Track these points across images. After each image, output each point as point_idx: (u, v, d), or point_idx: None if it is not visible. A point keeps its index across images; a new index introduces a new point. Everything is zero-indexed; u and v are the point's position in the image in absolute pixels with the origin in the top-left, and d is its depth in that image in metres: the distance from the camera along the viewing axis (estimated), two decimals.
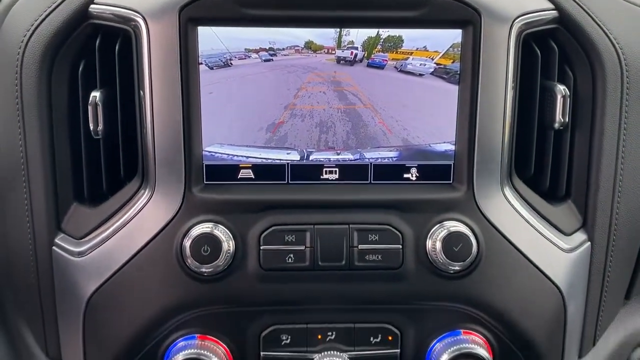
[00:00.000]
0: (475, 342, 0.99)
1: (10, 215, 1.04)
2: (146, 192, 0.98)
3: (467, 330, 1.01)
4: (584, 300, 1.11)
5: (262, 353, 1.00)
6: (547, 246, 1.03)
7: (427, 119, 1.00)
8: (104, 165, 1.02)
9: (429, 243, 0.97)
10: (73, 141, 1.02)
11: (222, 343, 0.99)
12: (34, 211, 1.02)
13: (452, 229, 0.96)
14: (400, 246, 0.97)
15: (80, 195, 1.05)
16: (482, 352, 0.98)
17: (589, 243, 1.08)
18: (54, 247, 1.03)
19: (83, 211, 1.04)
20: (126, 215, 0.99)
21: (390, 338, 1.01)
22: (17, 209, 1.02)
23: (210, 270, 0.94)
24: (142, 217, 0.98)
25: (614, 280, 1.12)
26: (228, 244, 0.94)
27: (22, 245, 1.04)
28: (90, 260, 1.00)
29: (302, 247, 0.97)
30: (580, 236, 1.08)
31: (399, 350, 1.02)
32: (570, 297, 1.05)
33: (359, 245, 0.97)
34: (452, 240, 0.95)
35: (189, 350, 0.96)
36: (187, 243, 0.94)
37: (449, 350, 0.98)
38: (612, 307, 1.16)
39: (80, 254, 1.01)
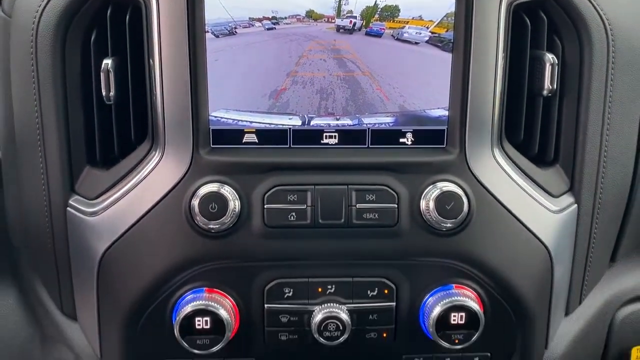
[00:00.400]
0: (466, 295, 1.05)
1: (26, 179, 1.09)
2: (156, 155, 1.03)
3: (459, 285, 1.07)
4: (570, 260, 1.16)
5: (266, 305, 1.06)
6: (536, 207, 1.09)
7: (423, 86, 1.05)
8: (116, 130, 1.07)
9: (422, 202, 1.03)
10: (86, 107, 1.08)
11: (228, 296, 1.05)
12: (49, 174, 1.08)
13: (445, 189, 1.01)
14: (396, 205, 1.03)
15: (93, 159, 1.10)
16: (473, 305, 1.04)
17: (576, 205, 1.13)
18: (68, 208, 1.08)
19: (96, 174, 1.09)
20: (137, 177, 1.04)
21: (386, 291, 1.07)
22: (32, 173, 1.08)
23: (217, 226, 1.00)
24: (152, 178, 1.04)
25: (599, 242, 1.18)
26: (234, 203, 1.00)
27: (37, 207, 1.09)
28: (103, 220, 1.06)
29: (304, 206, 1.02)
30: (568, 199, 1.13)
31: (394, 303, 1.07)
32: (558, 256, 1.11)
33: (357, 205, 1.03)
34: (445, 199, 1.01)
35: (198, 302, 1.01)
36: (195, 202, 1.00)
37: (442, 302, 1.03)
38: (598, 268, 1.22)
39: (93, 214, 1.06)
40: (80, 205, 1.08)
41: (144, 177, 1.04)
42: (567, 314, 1.21)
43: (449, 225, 1.02)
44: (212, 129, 1.04)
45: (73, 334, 1.17)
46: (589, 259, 1.19)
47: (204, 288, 1.04)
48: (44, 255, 1.13)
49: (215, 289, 1.05)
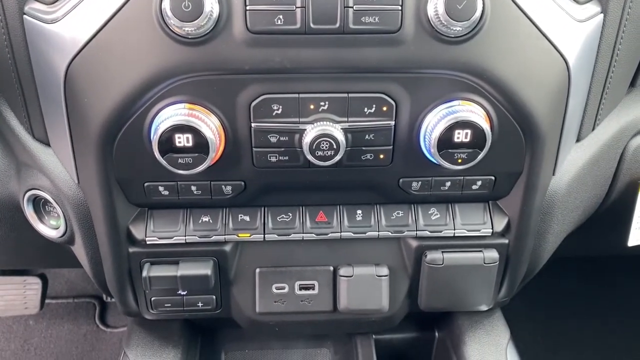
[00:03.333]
0: (472, 111, 0.95)
1: None
2: None
3: (466, 101, 0.96)
4: (589, 79, 1.06)
5: (252, 124, 0.96)
6: (557, 13, 0.95)
7: None
8: None
9: (430, 4, 0.89)
10: None
11: (211, 113, 0.95)
12: None
13: None
14: (400, 7, 0.89)
15: None
16: (480, 121, 0.94)
17: (602, 15, 1.00)
18: (24, 15, 0.95)
19: None
20: None
21: (385, 109, 0.96)
22: None
23: (193, 30, 0.87)
24: None
25: (622, 60, 1.07)
26: (211, 2, 0.86)
27: None
28: (65, 26, 0.93)
29: (292, 7, 0.88)
30: (593, 7, 1.00)
31: (393, 122, 0.98)
32: (576, 71, 1.00)
33: (355, 6, 0.89)
34: None
35: (177, 117, 0.91)
36: (167, 1, 0.86)
37: (445, 119, 0.94)
38: (616, 91, 1.12)
39: (54, 20, 0.93)
40: (38, 13, 0.95)
41: None
42: (578, 139, 1.13)
43: (458, 28, 0.89)
44: None
45: (47, 159, 1.08)
46: (608, 79, 1.08)
47: (184, 103, 0.94)
48: (5, 73, 1.01)
49: (196, 104, 0.94)
